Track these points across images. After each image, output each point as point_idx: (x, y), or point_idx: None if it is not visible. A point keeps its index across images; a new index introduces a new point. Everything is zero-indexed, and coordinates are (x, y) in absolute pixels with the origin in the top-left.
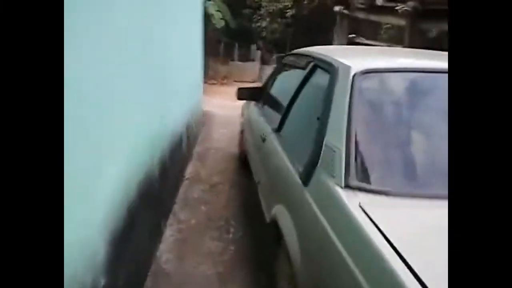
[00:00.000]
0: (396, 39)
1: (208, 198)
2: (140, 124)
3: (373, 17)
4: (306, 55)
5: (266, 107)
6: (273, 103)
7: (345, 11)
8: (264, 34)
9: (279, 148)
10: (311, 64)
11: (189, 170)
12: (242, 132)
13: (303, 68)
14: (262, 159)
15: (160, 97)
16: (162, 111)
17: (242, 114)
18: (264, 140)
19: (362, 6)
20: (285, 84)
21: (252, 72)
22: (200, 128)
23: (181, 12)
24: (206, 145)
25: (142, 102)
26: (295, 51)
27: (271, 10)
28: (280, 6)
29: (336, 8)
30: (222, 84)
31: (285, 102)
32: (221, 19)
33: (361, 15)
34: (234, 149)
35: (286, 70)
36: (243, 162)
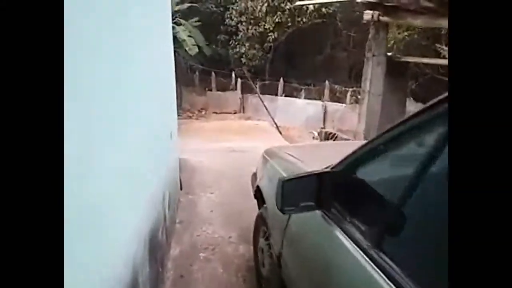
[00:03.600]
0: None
1: None
2: None
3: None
4: None
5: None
6: None
7: (386, 18)
8: (243, 60)
9: None
10: None
11: None
12: (259, 234)
13: None
14: None
15: None
16: None
17: (258, 199)
18: None
19: (430, 5)
20: None
21: (233, 103)
22: (177, 200)
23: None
24: (191, 241)
25: None
26: None
27: (250, 35)
28: (260, 29)
29: (368, 16)
30: (199, 117)
31: None
32: (194, 45)
33: (418, 21)
34: (242, 247)
35: None
36: None
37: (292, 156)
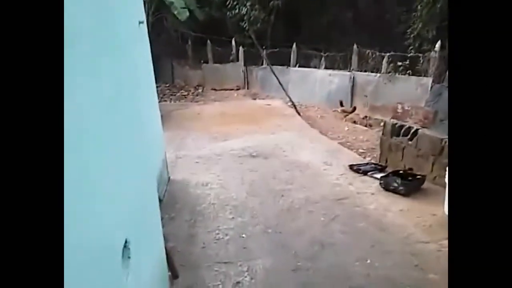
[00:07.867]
0: None
1: None
2: None
3: None
4: None
5: None
6: None
7: None
8: (244, 24)
9: None
10: None
11: None
12: None
13: None
14: None
15: None
16: None
17: None
18: None
19: None
20: None
21: (235, 77)
22: None
23: None
24: None
25: None
26: None
27: None
28: None
29: None
30: (196, 96)
31: None
32: (184, 8)
33: None
34: None
35: None
36: None
37: None
